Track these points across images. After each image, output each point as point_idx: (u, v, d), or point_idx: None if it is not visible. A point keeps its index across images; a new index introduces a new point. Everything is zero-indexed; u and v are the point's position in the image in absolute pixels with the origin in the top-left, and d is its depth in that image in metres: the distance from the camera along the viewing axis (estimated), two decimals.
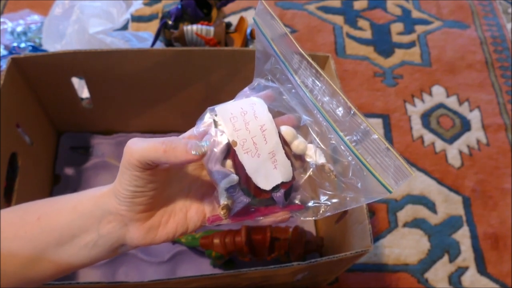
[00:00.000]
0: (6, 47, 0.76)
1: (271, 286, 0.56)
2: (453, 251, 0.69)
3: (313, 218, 0.34)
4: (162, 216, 0.33)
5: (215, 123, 0.32)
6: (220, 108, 0.32)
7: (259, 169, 0.31)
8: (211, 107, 0.33)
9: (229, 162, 0.32)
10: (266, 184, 0.32)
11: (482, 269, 0.68)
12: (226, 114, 0.32)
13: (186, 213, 0.34)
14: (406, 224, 0.71)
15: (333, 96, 0.32)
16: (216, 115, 0.32)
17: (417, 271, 0.67)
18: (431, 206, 0.73)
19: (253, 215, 0.33)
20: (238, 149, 0.31)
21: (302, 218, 0.34)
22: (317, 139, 0.33)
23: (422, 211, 0.72)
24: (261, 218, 0.33)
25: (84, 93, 0.69)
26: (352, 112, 0.31)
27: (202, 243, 0.60)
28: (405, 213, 0.72)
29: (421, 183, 0.75)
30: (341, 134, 0.31)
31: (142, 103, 0.67)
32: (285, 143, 0.32)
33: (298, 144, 0.33)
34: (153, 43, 0.77)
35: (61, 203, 0.33)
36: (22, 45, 0.76)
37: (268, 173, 0.31)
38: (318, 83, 0.33)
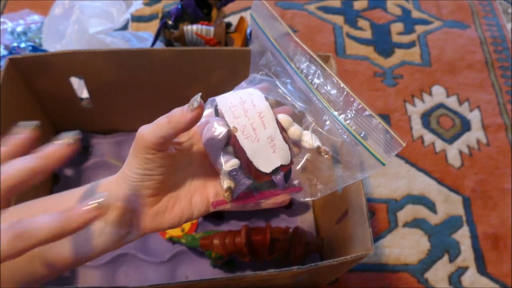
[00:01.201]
0: (6, 47, 0.76)
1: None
2: (453, 251, 0.69)
3: (312, 198, 0.36)
4: (168, 202, 0.34)
5: (216, 112, 0.34)
6: (220, 98, 0.34)
7: (259, 153, 0.33)
8: (211, 98, 0.35)
9: (230, 148, 0.33)
10: (266, 167, 0.33)
11: (482, 269, 0.68)
12: (226, 103, 0.33)
13: (190, 199, 0.35)
14: (406, 224, 0.71)
15: (327, 78, 0.34)
16: (216, 104, 0.34)
17: (417, 271, 0.67)
18: (431, 206, 0.73)
19: (254, 198, 0.35)
20: (238, 135, 0.32)
21: (301, 199, 0.36)
22: (313, 123, 0.35)
23: (422, 211, 0.72)
24: (263, 200, 0.35)
25: (84, 93, 0.69)
26: (345, 92, 0.33)
27: (202, 243, 0.60)
28: (405, 213, 0.72)
29: (421, 183, 0.75)
30: (336, 113, 0.33)
31: (142, 103, 0.67)
32: (282, 130, 0.34)
33: (294, 130, 0.35)
34: (153, 43, 0.77)
35: (67, 195, 0.34)
36: (22, 45, 0.76)
37: (268, 157, 0.33)
38: (312, 67, 0.34)
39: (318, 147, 0.35)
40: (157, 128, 0.30)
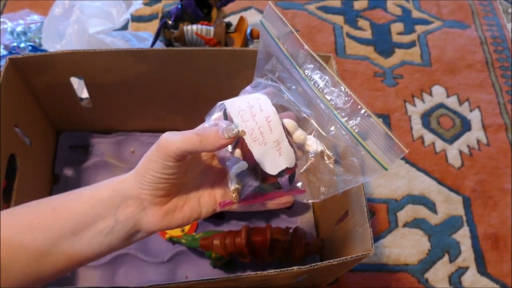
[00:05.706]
0: (6, 47, 0.75)
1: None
2: (453, 251, 0.69)
3: (314, 200, 0.38)
4: (178, 202, 0.35)
5: (225, 116, 0.35)
6: (228, 102, 0.35)
7: (266, 155, 0.34)
8: (220, 102, 0.36)
9: (238, 151, 0.34)
10: (272, 169, 0.34)
11: (482, 269, 0.68)
12: (235, 107, 0.34)
13: (199, 199, 0.36)
14: (406, 224, 0.71)
15: (335, 86, 0.35)
16: (225, 108, 0.35)
17: (417, 271, 0.67)
18: (431, 206, 0.73)
19: (260, 199, 0.37)
20: (247, 138, 0.33)
21: (305, 201, 0.37)
22: (318, 128, 0.36)
23: (422, 211, 0.72)
24: (268, 201, 0.37)
25: (84, 93, 0.69)
26: (352, 100, 0.34)
27: (202, 244, 0.60)
28: (405, 213, 0.72)
29: (421, 183, 0.75)
30: (342, 120, 0.34)
31: (141, 103, 0.67)
32: (288, 134, 0.35)
33: (299, 134, 0.36)
34: (153, 43, 0.77)
35: (76, 193, 0.35)
36: (22, 45, 0.76)
37: (274, 159, 0.34)
38: (321, 75, 0.36)
39: (322, 152, 0.36)
40: (184, 142, 0.31)
